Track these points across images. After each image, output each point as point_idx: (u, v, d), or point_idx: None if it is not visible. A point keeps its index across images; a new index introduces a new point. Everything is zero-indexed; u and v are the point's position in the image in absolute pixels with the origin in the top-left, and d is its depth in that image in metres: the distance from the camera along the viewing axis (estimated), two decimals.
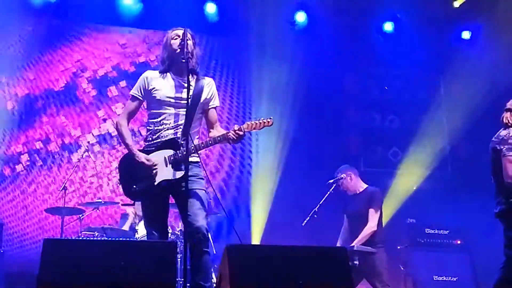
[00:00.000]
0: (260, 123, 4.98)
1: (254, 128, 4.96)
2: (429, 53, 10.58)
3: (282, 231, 8.98)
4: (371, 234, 7.32)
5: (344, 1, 10.04)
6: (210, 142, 4.96)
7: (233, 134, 4.86)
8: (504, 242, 5.44)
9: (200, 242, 4.65)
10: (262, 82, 10.42)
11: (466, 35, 10.96)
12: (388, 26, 10.79)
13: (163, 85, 5.05)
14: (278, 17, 10.38)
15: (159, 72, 5.14)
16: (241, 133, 4.87)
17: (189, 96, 4.74)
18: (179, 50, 4.93)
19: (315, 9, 10.45)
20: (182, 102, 4.93)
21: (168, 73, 5.12)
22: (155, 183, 4.83)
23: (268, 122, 5.00)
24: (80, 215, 8.13)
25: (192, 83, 4.99)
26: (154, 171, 4.83)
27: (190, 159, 4.80)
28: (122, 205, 7.79)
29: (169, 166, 4.85)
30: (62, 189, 7.96)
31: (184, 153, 4.67)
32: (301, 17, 10.49)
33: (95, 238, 7.75)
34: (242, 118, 10.34)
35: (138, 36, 10.14)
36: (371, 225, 7.36)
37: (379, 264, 7.23)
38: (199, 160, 5.02)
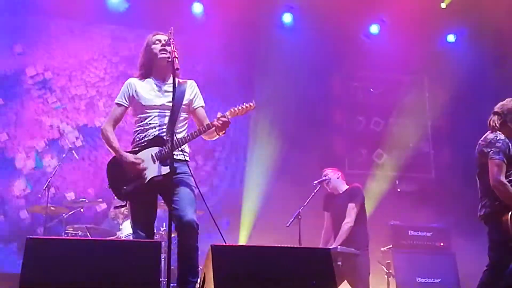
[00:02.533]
0: (243, 108, 5.03)
1: (238, 114, 5.00)
2: (414, 56, 10.62)
3: (269, 232, 8.97)
4: (350, 232, 7.32)
5: (330, 3, 10.05)
6: (195, 133, 4.95)
7: (217, 122, 4.87)
8: (488, 245, 5.49)
9: (190, 236, 4.66)
10: (248, 84, 10.44)
11: (451, 38, 11.02)
12: (374, 29, 10.83)
13: (146, 91, 5.06)
14: (264, 18, 10.40)
15: (140, 77, 5.15)
16: (224, 119, 4.87)
17: (174, 97, 4.73)
18: (160, 55, 4.98)
19: (300, 11, 10.46)
20: (166, 104, 4.97)
21: (149, 78, 5.13)
22: (145, 181, 4.83)
23: (251, 106, 5.06)
24: (64, 214, 8.10)
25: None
26: (143, 170, 4.83)
27: (179, 157, 4.82)
28: (115, 207, 7.76)
29: (157, 162, 4.85)
30: (46, 187, 7.92)
31: (171, 148, 4.66)
32: (288, 18, 10.50)
33: (78, 237, 7.71)
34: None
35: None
36: (348, 220, 7.36)
37: (362, 267, 7.23)
38: (186, 159, 5.01)
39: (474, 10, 10.05)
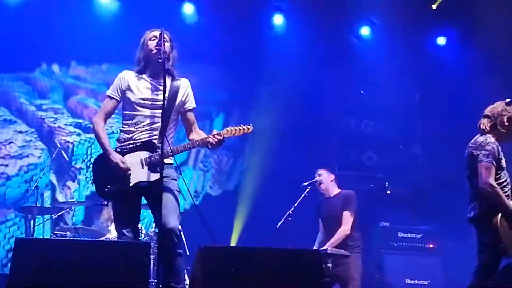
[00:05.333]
0: (239, 129, 4.99)
1: (233, 134, 4.97)
2: (405, 58, 10.63)
3: (260, 233, 8.96)
4: (344, 237, 7.33)
5: (321, 5, 10.05)
6: (189, 146, 4.97)
7: (212, 139, 4.86)
8: (477, 247, 5.51)
9: (173, 243, 4.63)
10: (238, 85, 10.44)
11: (441, 41, 11.04)
12: (365, 31, 10.84)
13: (138, 87, 5.02)
14: (256, 20, 10.40)
15: (135, 73, 5.11)
16: (220, 138, 4.86)
17: (165, 98, 4.71)
18: (155, 51, 4.91)
19: (291, 13, 10.46)
20: (157, 103, 4.90)
21: (143, 75, 5.09)
22: (130, 184, 4.79)
23: (248, 129, 5.02)
24: (53, 215, 8.07)
25: (168, 84, 4.96)
26: (129, 173, 4.79)
27: (166, 160, 4.78)
28: (95, 204, 7.74)
29: (145, 168, 4.82)
30: (35, 188, 7.89)
31: (160, 155, 4.64)
32: (278, 20, 10.48)
33: (67, 238, 7.68)
34: (218, 122, 10.34)
35: None
36: (345, 228, 7.37)
37: (353, 269, 7.23)
38: (173, 163, 5.01)
39: (465, 12, 10.09)
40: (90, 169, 9.31)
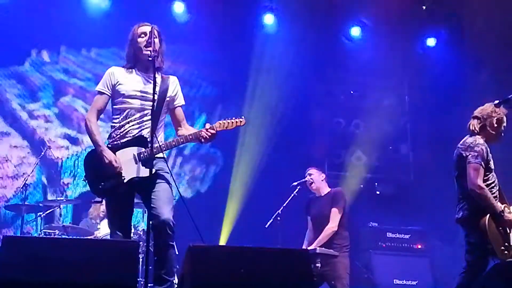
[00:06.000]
0: (232, 122, 5.01)
1: (226, 127, 4.98)
2: (395, 59, 10.65)
3: (249, 233, 8.96)
4: (332, 235, 7.33)
5: (312, 6, 10.06)
6: (182, 140, 4.96)
7: (205, 133, 4.86)
8: (465, 247, 5.53)
9: (166, 235, 4.63)
10: (227, 85, 10.44)
11: (431, 42, 11.07)
12: (355, 31, 10.84)
13: (128, 80, 4.99)
14: (247, 19, 10.39)
15: (125, 68, 5.09)
16: (213, 131, 4.87)
17: (155, 92, 4.70)
18: (145, 50, 4.90)
19: (282, 13, 10.46)
20: (147, 96, 4.89)
21: (133, 69, 5.07)
22: (125, 181, 4.77)
23: (241, 122, 5.04)
24: (41, 213, 8.03)
25: (158, 80, 4.95)
26: (123, 169, 4.78)
27: (158, 155, 4.78)
28: (91, 202, 7.72)
29: (139, 163, 4.81)
30: (23, 186, 7.85)
31: (154, 150, 4.63)
32: (269, 19, 10.47)
33: (55, 236, 7.64)
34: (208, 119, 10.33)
35: None
36: (332, 225, 7.35)
37: (341, 268, 7.23)
38: (165, 156, 5.00)
39: (454, 12, 10.13)
40: (78, 176, 9.34)
